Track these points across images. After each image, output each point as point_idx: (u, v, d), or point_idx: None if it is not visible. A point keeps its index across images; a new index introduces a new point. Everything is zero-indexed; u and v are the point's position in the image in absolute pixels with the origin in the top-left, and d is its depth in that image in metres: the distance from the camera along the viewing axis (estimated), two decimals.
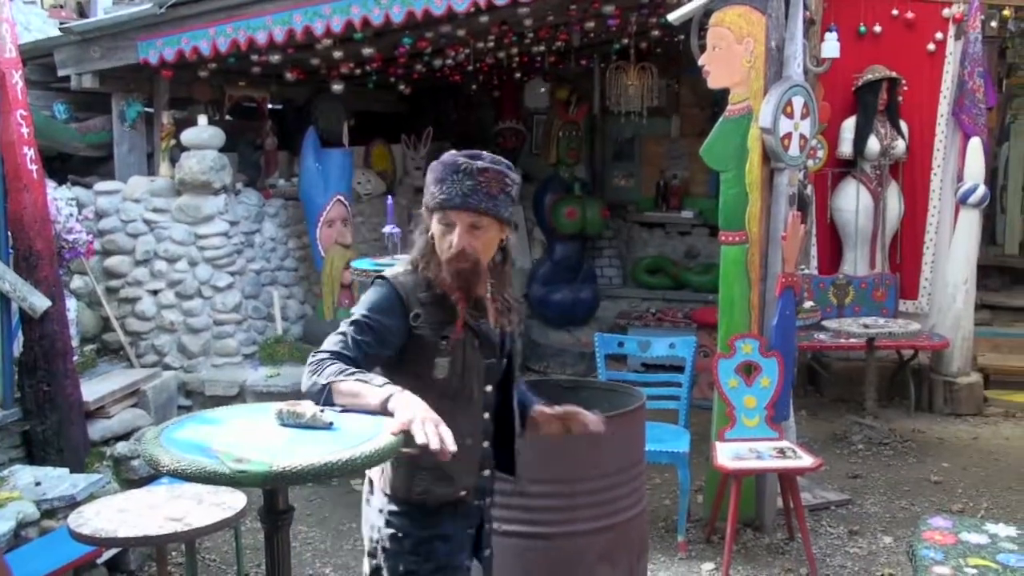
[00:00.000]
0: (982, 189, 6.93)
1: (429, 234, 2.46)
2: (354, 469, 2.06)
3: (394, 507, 2.50)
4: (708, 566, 4.61)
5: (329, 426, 2.20)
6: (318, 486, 5.45)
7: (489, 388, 2.57)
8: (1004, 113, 9.68)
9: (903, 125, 7.13)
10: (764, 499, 4.98)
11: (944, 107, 7.12)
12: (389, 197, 5.52)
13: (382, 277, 2.46)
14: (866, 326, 6.24)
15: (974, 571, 3.23)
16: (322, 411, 2.21)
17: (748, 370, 4.78)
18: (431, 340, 2.43)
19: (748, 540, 4.87)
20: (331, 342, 2.37)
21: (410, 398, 2.19)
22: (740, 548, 4.77)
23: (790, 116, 4.77)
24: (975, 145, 6.90)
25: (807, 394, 7.36)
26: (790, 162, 4.86)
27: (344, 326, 2.39)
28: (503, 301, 2.54)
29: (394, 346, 2.40)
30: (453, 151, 2.50)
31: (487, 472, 2.61)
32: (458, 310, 2.44)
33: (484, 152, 2.48)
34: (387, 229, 5.11)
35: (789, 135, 4.79)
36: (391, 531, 2.48)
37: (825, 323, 6.53)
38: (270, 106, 7.18)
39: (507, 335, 2.59)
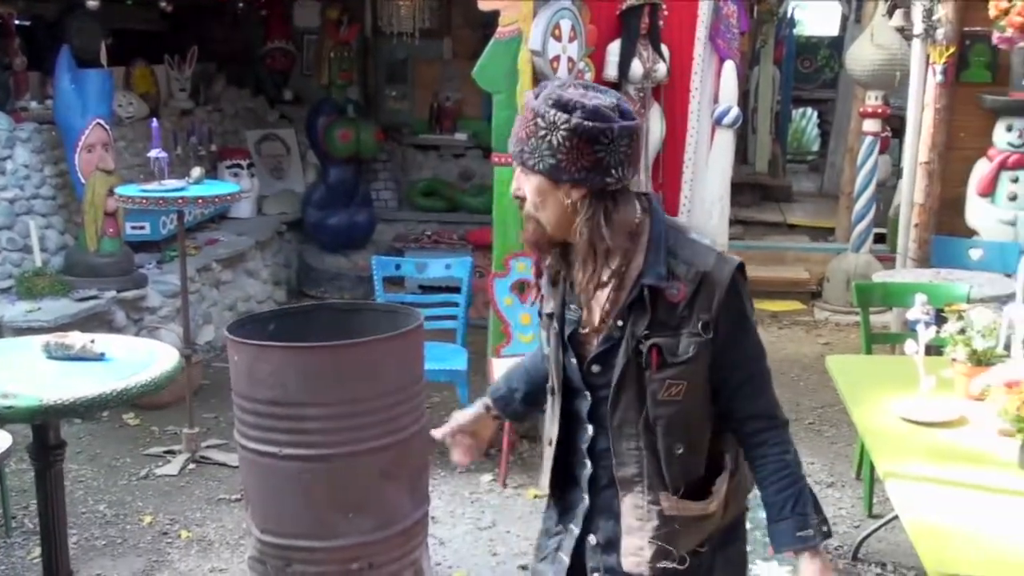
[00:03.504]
0: (736, 110, 7.29)
1: None
2: (129, 399, 2.03)
3: None
4: (487, 477, 4.78)
5: (100, 357, 2.15)
6: (87, 422, 5.27)
7: (581, 403, 2.10)
8: (755, 38, 10.21)
9: (664, 49, 7.40)
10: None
11: (701, 31, 7.42)
12: (154, 120, 5.29)
13: None
14: None
15: None
16: (92, 341, 2.16)
17: (522, 288, 4.93)
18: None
19: (524, 451, 5.08)
20: None
21: None
22: (516, 459, 4.96)
23: (558, 39, 4.88)
24: (729, 68, 7.24)
25: None
26: None
27: None
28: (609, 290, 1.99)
29: None
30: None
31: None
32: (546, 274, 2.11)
33: (572, 90, 1.94)
34: (153, 153, 4.91)
35: (558, 58, 4.91)
36: None
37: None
38: (17, 22, 6.68)
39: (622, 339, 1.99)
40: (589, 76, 7.15)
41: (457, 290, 5.20)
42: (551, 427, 2.17)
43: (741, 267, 1.98)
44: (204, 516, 4.44)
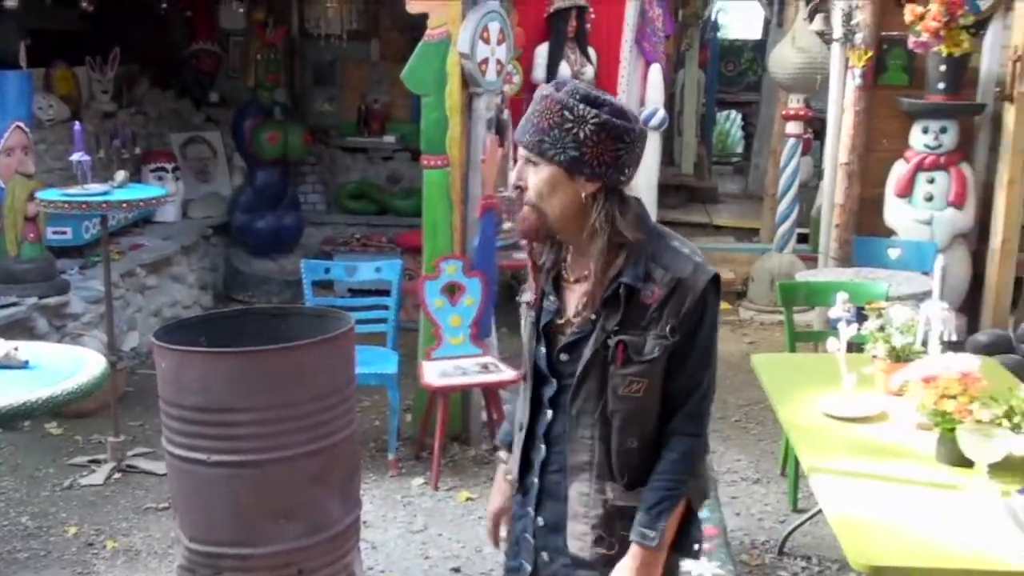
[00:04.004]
0: (662, 113, 7.40)
1: None
2: (56, 407, 2.00)
3: None
4: (418, 480, 4.78)
5: (25, 364, 2.11)
6: (8, 432, 5.15)
7: (546, 389, 2.16)
8: (680, 42, 10.34)
9: (591, 52, 7.47)
10: (470, 413, 5.20)
11: (628, 35, 7.51)
12: (76, 123, 5.19)
13: None
14: None
15: None
16: (16, 349, 2.12)
17: (452, 290, 4.94)
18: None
19: (456, 453, 5.08)
20: None
21: None
22: (448, 461, 4.97)
23: (487, 42, 4.90)
24: (655, 71, 7.35)
25: (508, 311, 7.65)
26: (488, 87, 5.01)
27: None
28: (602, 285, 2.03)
29: None
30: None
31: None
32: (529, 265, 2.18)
33: (588, 89, 2.01)
34: (76, 157, 4.82)
35: (487, 60, 4.93)
36: None
37: (523, 242, 6.80)
38: None
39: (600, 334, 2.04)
40: (518, 79, 7.20)
41: (387, 293, 5.18)
42: (522, 413, 2.23)
43: (716, 278, 2.05)
44: (131, 526, 4.37)
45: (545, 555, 2.19)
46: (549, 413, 2.15)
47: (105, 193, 4.77)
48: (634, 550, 2.07)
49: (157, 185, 6.93)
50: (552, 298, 2.13)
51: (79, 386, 2.00)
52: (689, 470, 2.08)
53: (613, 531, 2.10)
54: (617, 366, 2.02)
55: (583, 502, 2.10)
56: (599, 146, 1.94)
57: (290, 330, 3.52)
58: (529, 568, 2.23)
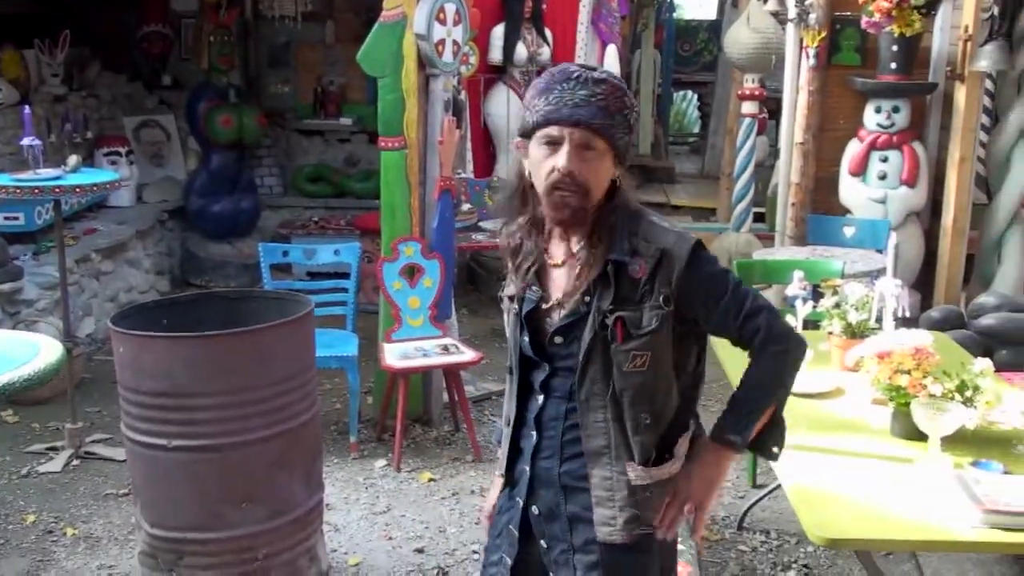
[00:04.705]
0: None
1: (520, 167, 2.09)
2: (12, 393, 1.99)
3: None
4: (380, 463, 4.78)
5: None
6: None
7: (536, 375, 2.17)
8: (635, 22, 10.36)
9: (547, 33, 7.47)
10: (431, 395, 5.21)
11: (583, 16, 7.52)
12: (26, 107, 5.10)
13: None
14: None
15: None
16: None
17: (411, 272, 4.94)
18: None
19: (417, 435, 5.09)
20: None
21: None
22: (410, 443, 4.98)
23: (443, 23, 4.88)
24: (611, 52, 7.38)
25: (467, 292, 7.68)
26: (444, 68, 4.99)
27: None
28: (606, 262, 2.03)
29: None
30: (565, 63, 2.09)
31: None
32: (512, 255, 2.15)
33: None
34: (26, 141, 4.74)
35: (443, 41, 4.91)
36: None
37: (482, 224, 6.82)
38: None
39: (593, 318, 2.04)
40: (474, 60, 7.20)
41: (346, 276, 5.17)
42: (509, 406, 2.22)
43: (699, 242, 2.07)
44: (91, 513, 4.34)
45: (543, 543, 2.17)
46: (540, 398, 2.14)
47: (57, 178, 4.71)
48: (715, 449, 2.11)
49: (111, 169, 6.85)
50: (534, 287, 2.12)
51: (35, 373, 1.98)
52: (778, 381, 2.13)
53: (644, 509, 2.09)
54: (619, 343, 2.01)
55: (606, 487, 2.08)
56: (633, 132, 2.05)
57: (249, 314, 3.51)
58: (510, 561, 2.21)
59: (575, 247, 2.07)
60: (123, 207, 7.62)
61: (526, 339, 2.13)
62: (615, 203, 2.05)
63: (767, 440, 2.18)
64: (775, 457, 2.22)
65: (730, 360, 3.59)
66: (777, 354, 2.10)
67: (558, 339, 2.09)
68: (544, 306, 2.11)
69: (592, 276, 2.03)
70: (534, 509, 2.17)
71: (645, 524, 2.10)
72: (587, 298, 2.04)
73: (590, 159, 1.97)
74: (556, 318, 2.09)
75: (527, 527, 2.20)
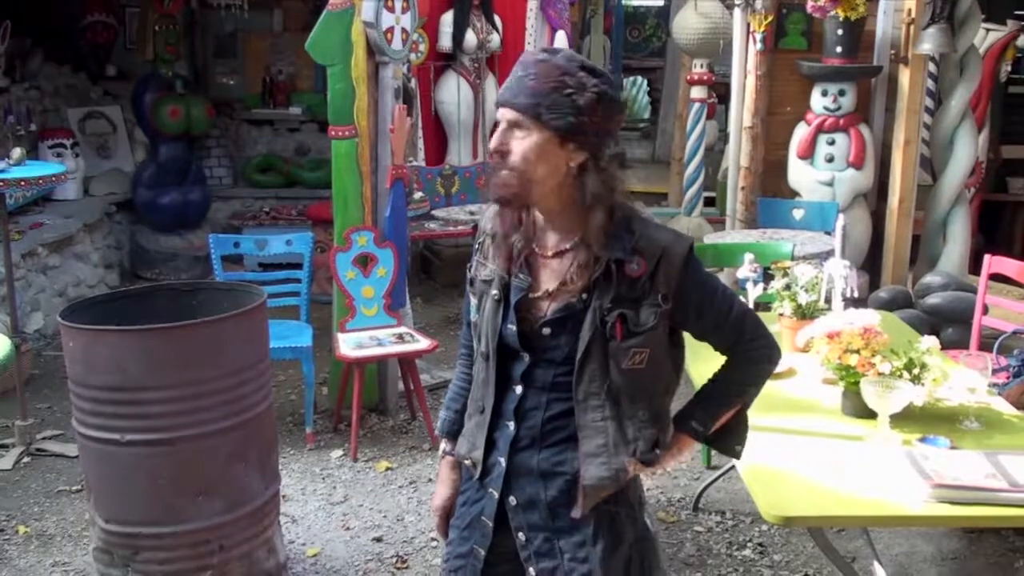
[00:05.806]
0: None
1: None
2: None
3: None
4: (337, 453, 4.77)
5: None
6: None
7: (516, 366, 2.11)
8: (584, 8, 10.36)
9: (497, 19, 7.47)
10: (386, 384, 5.20)
11: (533, 2, 7.52)
12: None
13: None
14: (472, 213, 6.59)
15: None
16: None
17: (364, 261, 4.93)
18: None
19: (374, 424, 5.09)
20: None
21: None
22: (366, 432, 4.97)
23: (391, 10, 4.87)
24: (561, 38, 7.36)
25: (421, 281, 7.68)
26: (394, 56, 4.98)
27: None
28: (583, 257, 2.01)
29: None
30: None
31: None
32: (498, 237, 2.09)
33: (584, 59, 2.01)
34: None
35: (392, 29, 4.90)
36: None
37: (435, 212, 6.82)
38: None
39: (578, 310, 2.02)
40: (424, 47, 7.17)
41: (298, 266, 5.14)
42: (486, 393, 2.14)
43: (692, 244, 2.07)
44: (43, 510, 4.29)
45: (522, 536, 2.12)
46: (519, 389, 2.09)
47: (1, 171, 4.63)
48: (681, 437, 2.18)
49: (56, 162, 6.74)
50: (522, 275, 2.07)
51: None
52: (752, 382, 2.19)
53: (627, 494, 2.11)
54: (618, 341, 1.99)
55: (602, 486, 2.05)
56: (595, 115, 1.93)
57: (201, 306, 3.48)
58: (483, 553, 2.17)
59: (567, 244, 2.03)
60: (69, 200, 7.51)
61: (512, 327, 2.06)
62: (598, 195, 2.00)
63: (731, 438, 2.23)
64: (738, 455, 2.27)
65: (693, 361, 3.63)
66: (757, 359, 2.16)
67: (546, 330, 2.05)
68: (532, 295, 2.06)
69: (595, 274, 1.99)
70: (511, 500, 2.12)
71: (619, 504, 2.10)
72: (584, 295, 2.01)
73: (519, 138, 1.96)
74: (545, 309, 2.05)
75: (501, 519, 2.15)
